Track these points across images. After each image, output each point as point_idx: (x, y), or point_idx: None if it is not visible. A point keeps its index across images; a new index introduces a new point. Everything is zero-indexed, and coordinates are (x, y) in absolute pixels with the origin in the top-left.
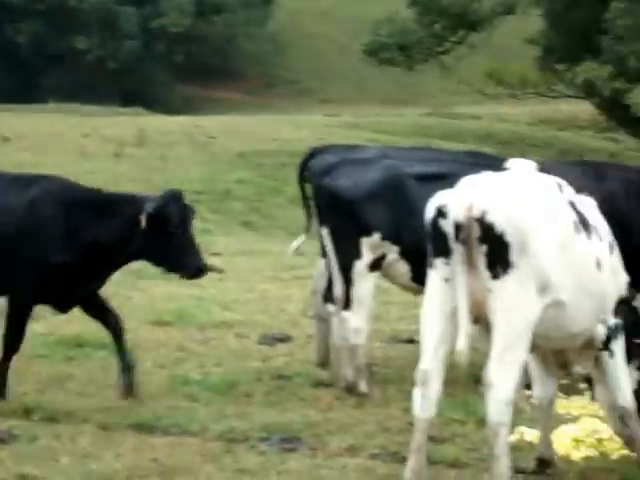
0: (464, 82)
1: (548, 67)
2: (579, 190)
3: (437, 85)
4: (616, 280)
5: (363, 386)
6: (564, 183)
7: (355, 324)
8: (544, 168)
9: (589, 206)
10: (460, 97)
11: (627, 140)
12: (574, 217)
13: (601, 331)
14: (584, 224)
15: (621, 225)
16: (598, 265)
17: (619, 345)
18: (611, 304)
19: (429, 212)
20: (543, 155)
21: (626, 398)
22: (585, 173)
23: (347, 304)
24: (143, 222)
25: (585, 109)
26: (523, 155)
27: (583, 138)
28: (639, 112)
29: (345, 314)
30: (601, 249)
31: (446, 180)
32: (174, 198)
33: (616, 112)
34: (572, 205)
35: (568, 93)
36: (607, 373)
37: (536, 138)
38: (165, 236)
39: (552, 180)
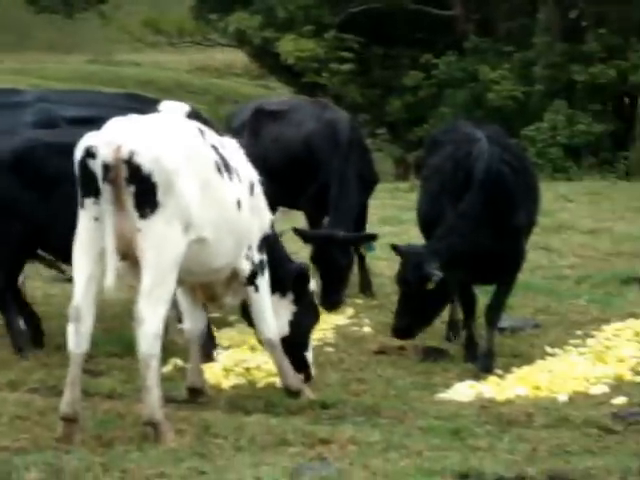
0: (124, 31)
1: (202, 17)
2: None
3: (100, 33)
4: (259, 219)
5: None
6: (205, 128)
7: None
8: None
9: (231, 149)
10: (122, 45)
11: (278, 87)
12: (216, 159)
13: (246, 267)
14: (225, 166)
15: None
16: (238, 205)
17: (264, 280)
18: (255, 241)
19: (78, 153)
20: (200, 102)
21: (271, 330)
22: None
23: None
24: None
25: (239, 57)
26: (182, 101)
27: (238, 85)
28: (288, 60)
29: None
30: (241, 190)
31: (101, 123)
32: None
33: (267, 60)
34: (214, 148)
35: (222, 42)
36: (253, 307)
37: (194, 85)
38: None
39: (195, 125)
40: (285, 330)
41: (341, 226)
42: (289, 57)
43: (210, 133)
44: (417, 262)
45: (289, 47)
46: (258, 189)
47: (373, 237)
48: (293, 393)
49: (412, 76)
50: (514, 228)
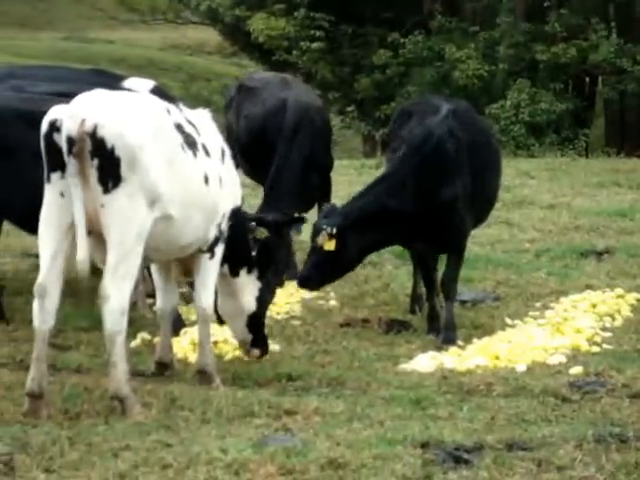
0: (98, 8)
1: None
2: None
3: (73, 10)
4: (231, 190)
5: None
6: (172, 107)
7: None
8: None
9: (199, 122)
10: (95, 22)
11: (250, 65)
12: (180, 138)
13: (213, 234)
14: (191, 143)
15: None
16: (206, 180)
17: (220, 250)
18: (228, 211)
19: (43, 126)
20: (173, 79)
21: (209, 301)
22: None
23: None
24: None
25: (212, 35)
26: (154, 79)
27: (211, 63)
28: (259, 38)
29: None
30: (209, 164)
31: (71, 99)
32: None
33: (238, 38)
34: (178, 127)
35: (194, 20)
36: (200, 273)
37: (167, 63)
38: None
39: (161, 102)
40: (253, 307)
41: (275, 207)
42: (260, 35)
43: (175, 110)
44: (322, 217)
45: (260, 25)
46: (229, 162)
47: (301, 220)
48: (205, 374)
49: (380, 55)
50: (447, 200)
